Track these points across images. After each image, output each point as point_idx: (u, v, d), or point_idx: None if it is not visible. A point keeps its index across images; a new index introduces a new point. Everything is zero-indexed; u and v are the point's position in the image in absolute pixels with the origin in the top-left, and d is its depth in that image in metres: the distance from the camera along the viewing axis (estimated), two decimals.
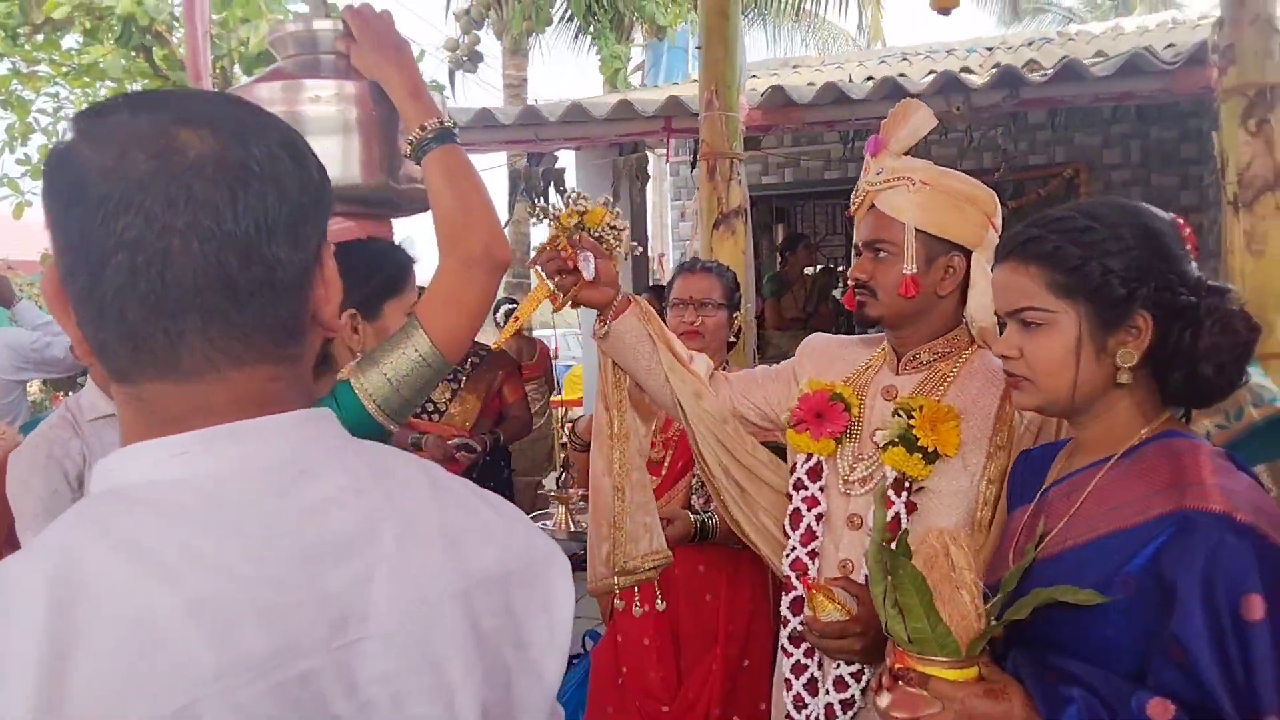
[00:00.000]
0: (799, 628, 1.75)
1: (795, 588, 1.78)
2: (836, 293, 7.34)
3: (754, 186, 8.64)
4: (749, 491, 1.93)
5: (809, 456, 1.80)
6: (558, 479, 2.72)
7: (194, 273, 0.72)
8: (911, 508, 1.66)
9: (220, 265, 0.72)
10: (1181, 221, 2.14)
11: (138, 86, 9.31)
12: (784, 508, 1.89)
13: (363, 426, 1.39)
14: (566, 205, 1.82)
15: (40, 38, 8.00)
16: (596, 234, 1.83)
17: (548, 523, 2.57)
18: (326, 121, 1.52)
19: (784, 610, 1.81)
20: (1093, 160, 7.47)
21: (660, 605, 2.06)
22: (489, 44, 11.30)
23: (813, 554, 1.78)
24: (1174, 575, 1.08)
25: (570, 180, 4.74)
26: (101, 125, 0.73)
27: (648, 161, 4.98)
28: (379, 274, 1.57)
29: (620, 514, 1.98)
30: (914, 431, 1.64)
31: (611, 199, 1.93)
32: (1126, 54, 3.34)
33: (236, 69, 7.91)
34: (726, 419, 1.94)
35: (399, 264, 1.61)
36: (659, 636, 2.56)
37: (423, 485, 0.83)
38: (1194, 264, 1.28)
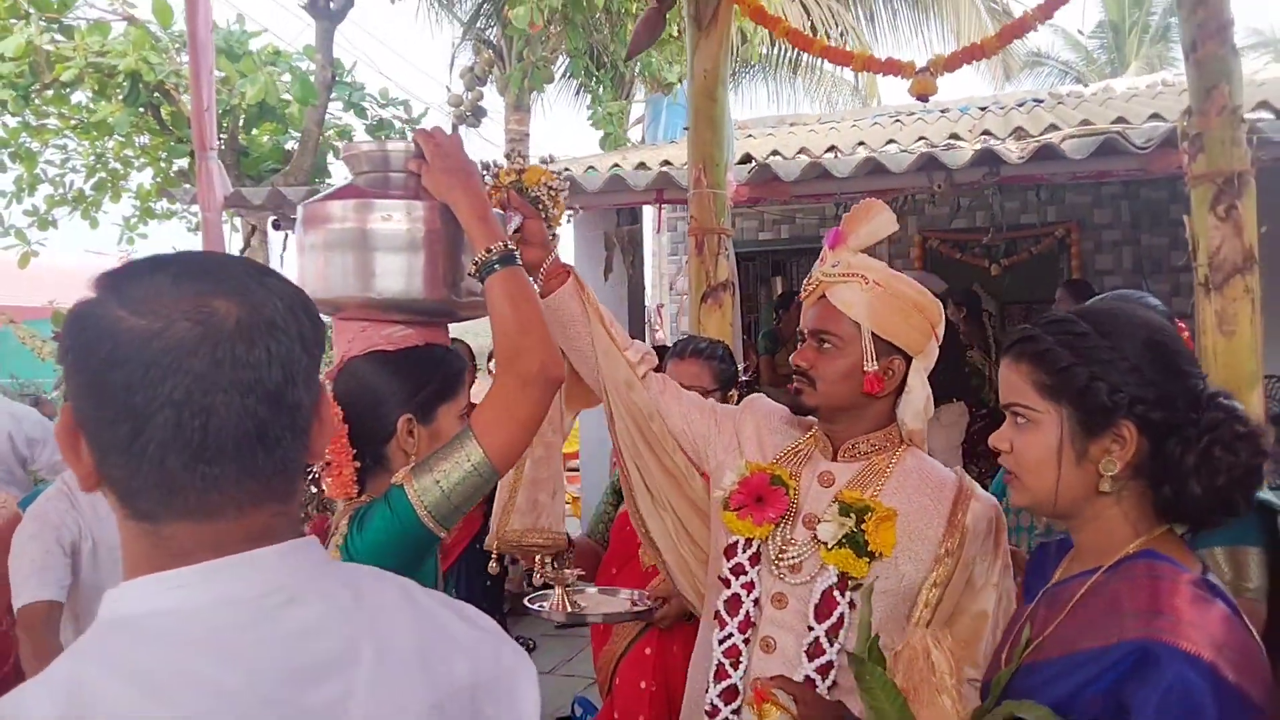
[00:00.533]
0: (731, 716, 1.75)
1: (729, 675, 1.76)
2: None
3: (750, 242, 8.80)
4: (662, 497, 1.94)
5: (749, 541, 1.79)
6: (551, 561, 2.72)
7: (235, 424, 0.81)
8: (851, 605, 1.70)
9: (256, 415, 0.81)
10: (1181, 325, 2.22)
11: (145, 140, 9.51)
12: (697, 522, 1.91)
13: (412, 530, 1.45)
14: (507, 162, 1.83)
15: (50, 93, 8.17)
16: (534, 195, 1.81)
17: (545, 604, 2.59)
18: (396, 238, 1.60)
19: (714, 699, 1.78)
20: (1084, 220, 7.59)
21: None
22: (492, 99, 11.51)
23: (748, 640, 1.76)
24: (1131, 705, 1.09)
25: (567, 247, 4.87)
26: (139, 290, 0.81)
27: (641, 234, 5.08)
28: (434, 379, 1.62)
29: (515, 483, 2.00)
30: (863, 535, 1.68)
31: (553, 165, 1.93)
32: (1101, 136, 3.44)
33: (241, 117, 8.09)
34: (654, 416, 1.93)
35: (453, 370, 1.66)
36: (654, 708, 2.57)
37: (399, 605, 0.91)
38: (1202, 381, 1.26)
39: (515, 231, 1.79)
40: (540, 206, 1.82)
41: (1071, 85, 16.91)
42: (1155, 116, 5.40)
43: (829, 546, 1.70)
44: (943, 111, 8.08)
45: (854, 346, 1.74)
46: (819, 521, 1.74)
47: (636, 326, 5.68)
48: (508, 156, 1.85)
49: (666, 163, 6.22)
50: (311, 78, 7.50)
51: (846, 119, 8.66)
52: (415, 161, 1.63)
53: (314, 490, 1.63)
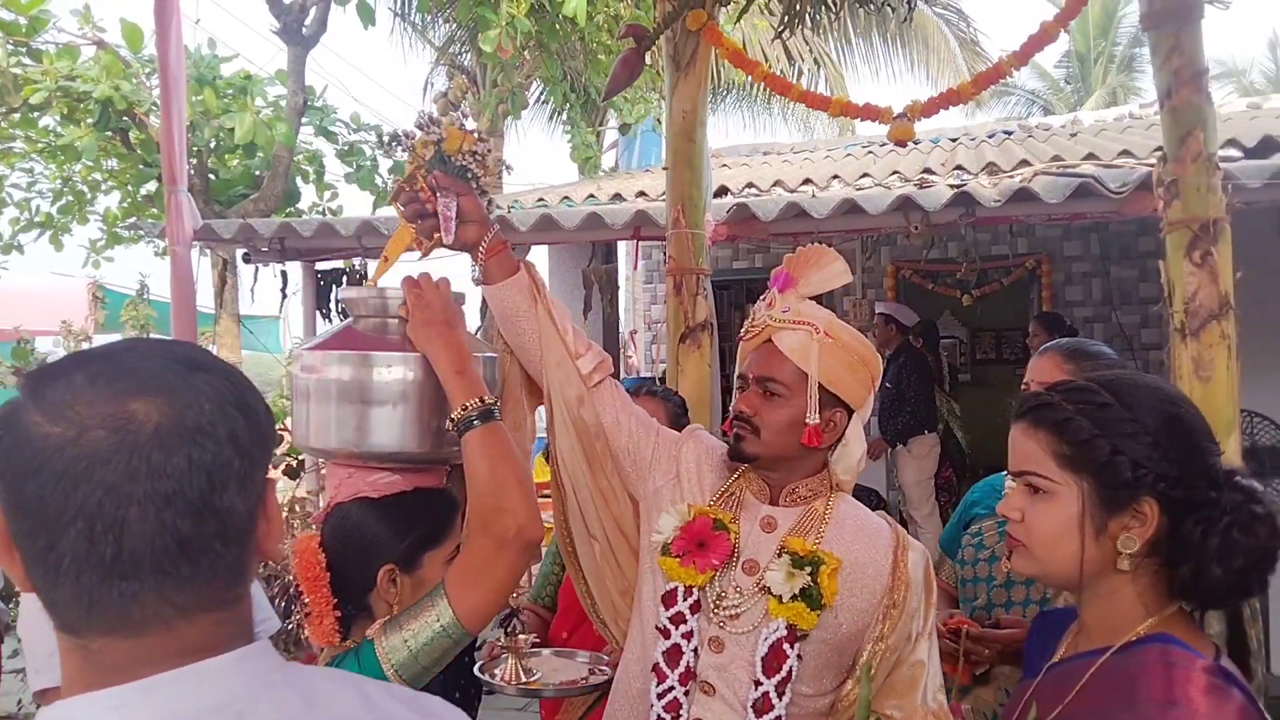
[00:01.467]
0: None
1: None
2: None
3: (726, 271, 8.81)
4: (593, 521, 1.86)
5: (690, 590, 1.71)
6: (505, 626, 2.63)
7: (152, 538, 0.75)
8: (800, 658, 1.66)
9: (176, 528, 0.76)
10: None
11: (113, 164, 9.39)
12: (625, 549, 1.84)
13: None
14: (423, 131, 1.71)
15: (16, 116, 8.06)
16: (459, 165, 1.70)
17: (497, 673, 2.53)
18: (387, 391, 1.60)
19: None
20: (1054, 252, 7.66)
21: None
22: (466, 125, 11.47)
23: (688, 692, 1.69)
24: None
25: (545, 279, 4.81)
26: (56, 394, 0.76)
27: (617, 273, 5.07)
28: (420, 527, 1.58)
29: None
30: (818, 589, 1.63)
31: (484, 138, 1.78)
32: (1077, 180, 3.47)
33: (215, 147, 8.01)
34: (599, 435, 1.84)
35: (440, 515, 1.62)
36: None
37: (355, 708, 0.86)
38: (1218, 457, 1.23)
39: (456, 218, 1.69)
40: (469, 176, 1.71)
41: (1039, 115, 17.19)
42: (1125, 153, 5.49)
43: (782, 599, 1.65)
44: (915, 143, 8.16)
45: (800, 397, 1.70)
46: (761, 568, 1.70)
47: (612, 359, 5.65)
48: (420, 127, 1.71)
49: (642, 194, 6.24)
50: (283, 103, 7.43)
51: (821, 149, 8.72)
52: (404, 309, 1.62)
53: (294, 635, 1.59)
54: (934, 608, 1.78)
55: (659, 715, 1.70)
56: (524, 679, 2.83)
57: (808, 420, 1.69)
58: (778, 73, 9.95)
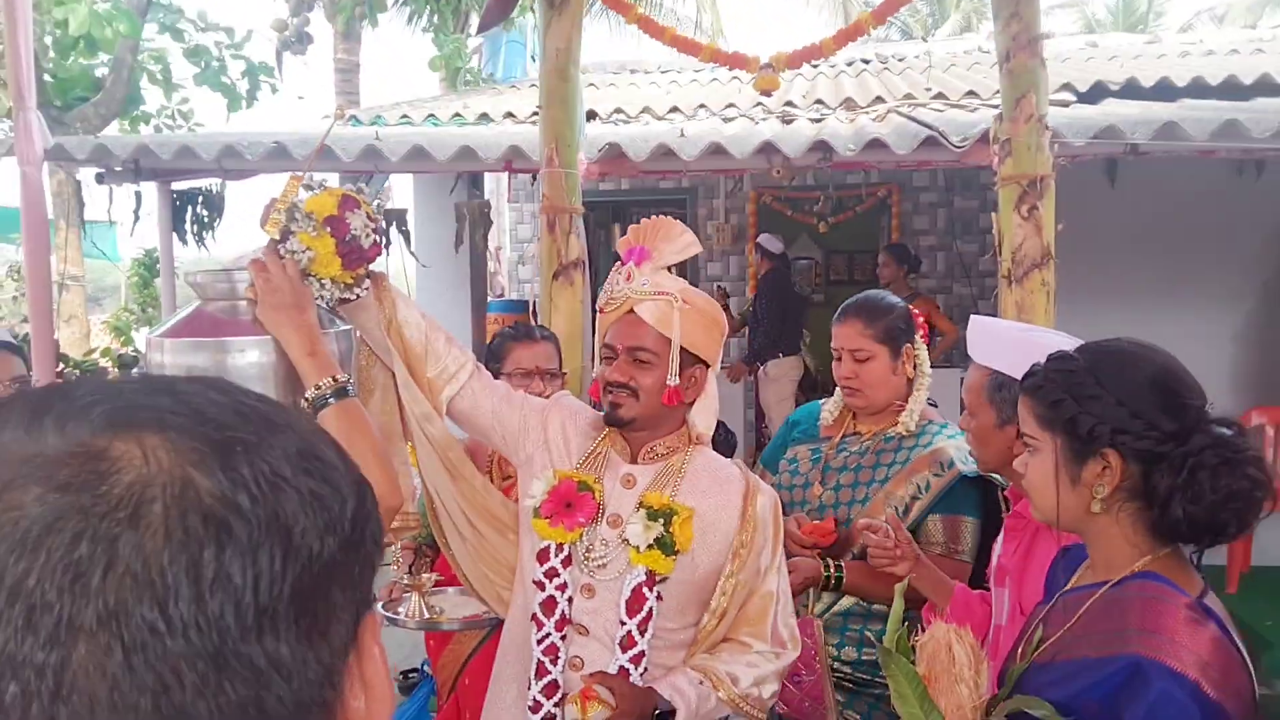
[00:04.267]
0: (553, 710, 1.87)
1: (549, 671, 1.88)
2: None
3: (590, 192, 8.82)
4: (460, 520, 2.03)
5: (560, 546, 1.90)
6: (410, 566, 2.75)
7: (109, 709, 0.42)
8: (660, 599, 1.88)
9: (164, 689, 0.42)
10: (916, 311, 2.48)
11: None
12: (496, 538, 2.03)
13: None
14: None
15: None
16: (352, 234, 1.71)
17: (401, 610, 2.66)
18: (242, 375, 1.61)
19: (537, 694, 1.89)
20: (903, 182, 8.04)
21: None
22: (320, 25, 10.97)
23: (565, 637, 1.88)
24: (1123, 714, 1.24)
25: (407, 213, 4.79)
26: None
27: (490, 208, 5.09)
28: None
29: None
30: (671, 537, 1.85)
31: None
32: (924, 134, 3.72)
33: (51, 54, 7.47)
34: (451, 446, 1.98)
35: None
36: None
37: None
38: (1200, 411, 1.36)
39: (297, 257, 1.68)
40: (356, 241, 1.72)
41: (896, 36, 17.60)
42: (971, 94, 5.83)
43: (640, 549, 1.85)
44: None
45: (665, 361, 1.89)
46: (624, 522, 1.90)
47: (480, 293, 5.70)
48: (309, 186, 1.77)
49: (509, 115, 6.22)
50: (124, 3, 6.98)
51: (688, 70, 8.78)
52: (252, 290, 1.65)
53: None
54: (781, 543, 2.01)
55: (539, 659, 1.89)
56: (428, 615, 2.98)
57: (669, 382, 1.88)
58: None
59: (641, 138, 3.91)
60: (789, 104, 5.92)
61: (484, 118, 6.15)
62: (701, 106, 6.09)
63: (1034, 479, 1.49)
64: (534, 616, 1.92)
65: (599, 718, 1.75)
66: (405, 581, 2.94)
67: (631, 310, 1.90)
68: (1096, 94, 5.60)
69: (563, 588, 1.90)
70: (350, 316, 1.93)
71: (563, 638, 1.89)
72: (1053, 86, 5.76)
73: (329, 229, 1.71)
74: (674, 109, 5.95)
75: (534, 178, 6.61)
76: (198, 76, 9.16)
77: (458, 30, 11.33)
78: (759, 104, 6.00)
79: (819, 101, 5.99)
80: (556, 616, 1.89)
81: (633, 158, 3.72)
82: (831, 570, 2.33)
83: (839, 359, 2.46)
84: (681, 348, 1.89)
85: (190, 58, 9.27)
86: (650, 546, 1.84)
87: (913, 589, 2.01)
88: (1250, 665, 1.33)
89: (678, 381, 1.89)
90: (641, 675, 1.86)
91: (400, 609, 2.96)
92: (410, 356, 1.95)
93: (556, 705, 1.88)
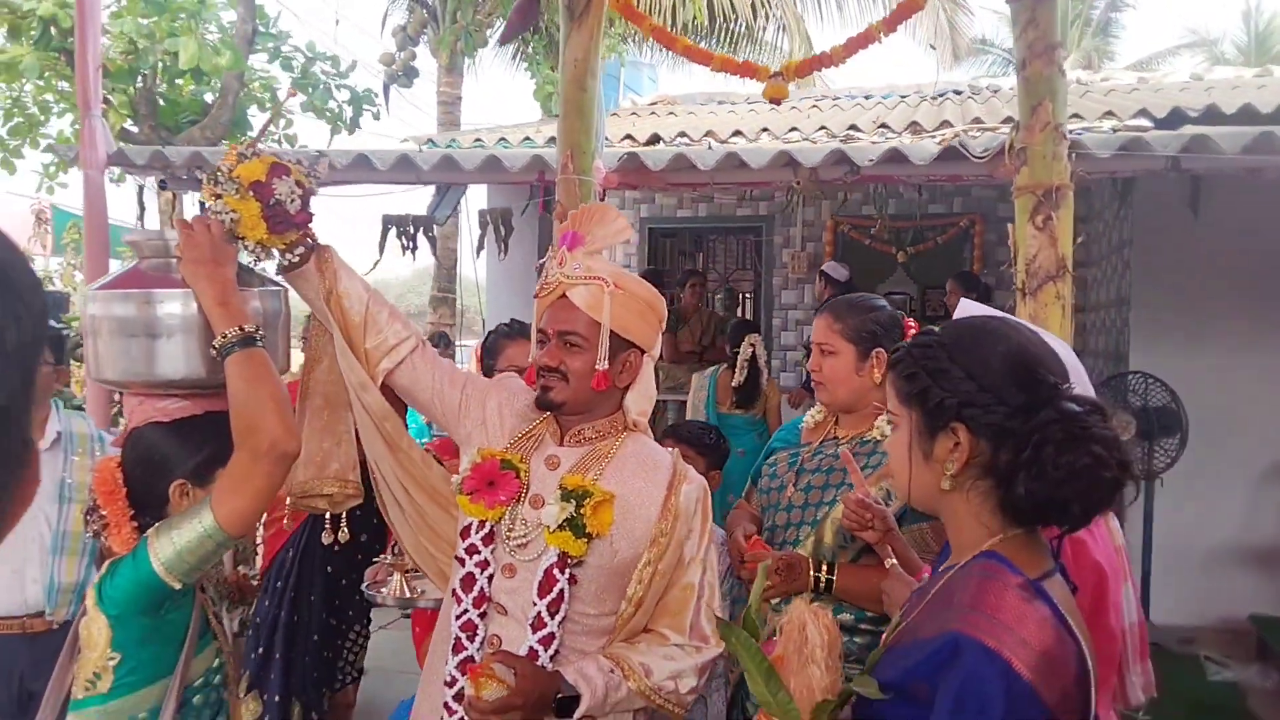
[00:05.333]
0: (467, 687, 1.82)
1: (466, 648, 1.88)
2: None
3: (669, 219, 8.94)
4: (399, 491, 2.05)
5: (482, 523, 1.90)
6: (393, 546, 2.82)
7: None
8: (573, 580, 1.86)
9: None
10: (910, 323, 2.40)
11: (65, 86, 9.32)
12: (435, 510, 2.03)
13: (149, 580, 1.63)
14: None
15: None
16: (277, 198, 1.80)
17: (384, 590, 2.71)
18: (166, 324, 1.78)
19: (453, 670, 1.88)
20: (987, 213, 7.83)
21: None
22: (426, 60, 11.42)
23: (483, 615, 1.88)
24: (937, 689, 1.21)
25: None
26: None
27: (512, 215, 5.20)
28: (209, 446, 1.78)
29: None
30: (582, 519, 1.83)
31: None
32: (945, 146, 3.63)
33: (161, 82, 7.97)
34: (388, 417, 2.02)
35: (229, 435, 1.77)
36: None
37: None
38: (1055, 389, 1.30)
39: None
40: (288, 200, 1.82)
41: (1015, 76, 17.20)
42: (1074, 116, 5.62)
43: (551, 529, 1.84)
44: (867, 96, 8.27)
45: (595, 345, 1.89)
46: (545, 503, 1.88)
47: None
48: (242, 155, 1.84)
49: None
50: (230, 29, 7.40)
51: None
52: (180, 248, 1.78)
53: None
54: (709, 536, 1.97)
55: (456, 635, 1.89)
56: (408, 593, 3.06)
57: (598, 366, 1.88)
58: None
59: (659, 151, 3.93)
60: (853, 128, 5.86)
61: (552, 141, 6.29)
62: (765, 130, 6.08)
63: (892, 455, 1.45)
64: (453, 592, 1.93)
65: (493, 696, 1.72)
66: (389, 562, 3.02)
67: (564, 295, 1.91)
68: (1175, 120, 5.35)
69: (483, 565, 1.90)
70: (292, 284, 2.02)
71: (481, 615, 1.89)
72: (1129, 112, 5.57)
73: (253, 193, 1.79)
74: (737, 132, 5.97)
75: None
76: (304, 103, 9.59)
77: (556, 65, 11.63)
78: (823, 128, 5.96)
79: (884, 125, 5.91)
80: (475, 593, 1.90)
81: (651, 167, 3.74)
82: (822, 574, 2.26)
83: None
84: (613, 332, 1.89)
85: (299, 86, 9.71)
86: (561, 527, 1.83)
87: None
88: (1088, 657, 1.25)
89: (607, 366, 1.89)
90: (552, 658, 1.84)
91: (384, 589, 3.04)
92: (348, 327, 2.02)
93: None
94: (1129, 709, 2.25)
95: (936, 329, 1.46)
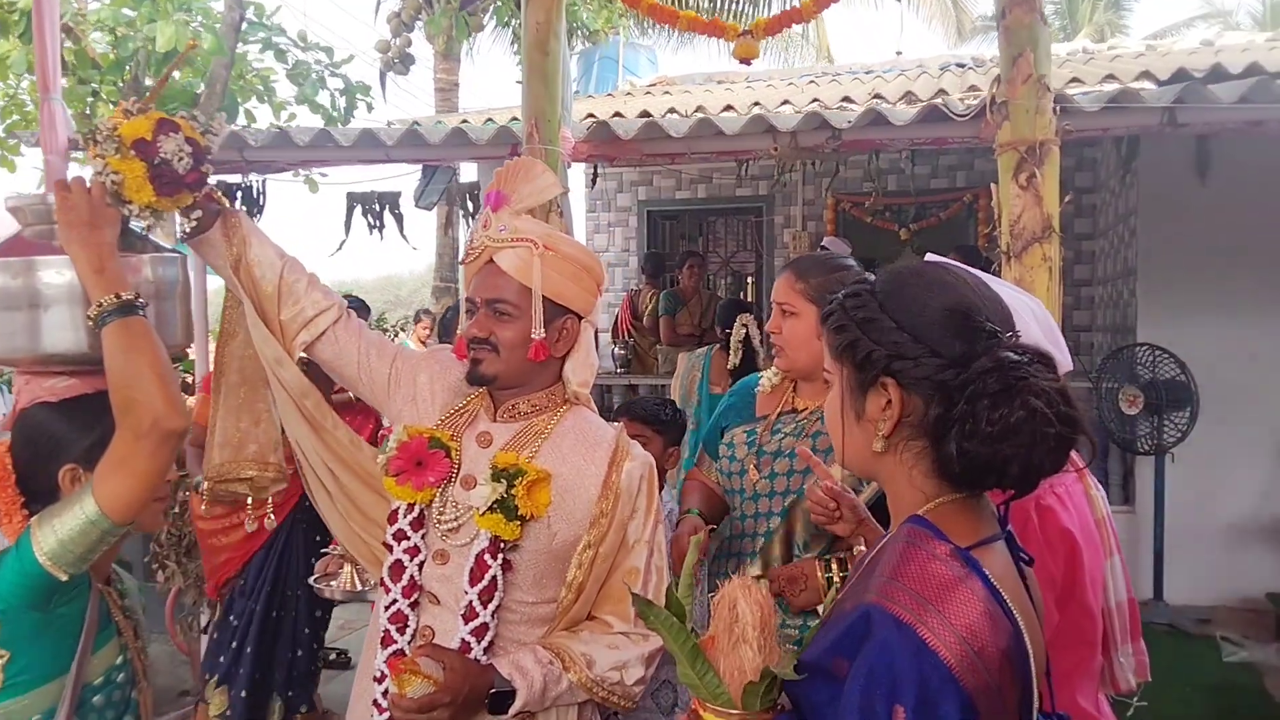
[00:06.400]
0: (390, 684, 1.69)
1: (395, 640, 1.75)
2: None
3: (668, 201, 8.79)
4: (324, 474, 1.90)
5: (411, 506, 1.76)
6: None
7: None
8: (508, 566, 1.71)
9: None
10: None
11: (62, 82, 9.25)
12: (368, 495, 1.88)
13: (34, 572, 1.50)
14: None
15: None
16: (163, 156, 1.67)
17: (334, 584, 2.59)
18: (48, 295, 1.66)
19: (381, 665, 1.76)
20: (991, 186, 7.63)
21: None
22: (424, 47, 11.30)
23: (414, 605, 1.75)
24: (851, 661, 1.09)
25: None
26: None
27: (479, 188, 5.05)
28: (102, 425, 1.62)
29: (213, 417, 1.95)
30: (514, 500, 1.68)
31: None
32: (926, 105, 3.46)
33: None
34: (308, 394, 1.88)
35: None
36: None
37: None
38: (995, 339, 1.16)
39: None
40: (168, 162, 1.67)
41: None
42: (1074, 80, 5.43)
43: (481, 511, 1.70)
44: (868, 72, 8.09)
45: (527, 313, 1.74)
46: (476, 484, 1.74)
47: None
48: (127, 111, 1.71)
49: (590, 116, 6.19)
50: (211, 12, 7.31)
51: (773, 78, 8.62)
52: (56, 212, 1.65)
53: None
54: (654, 518, 1.82)
55: (385, 627, 1.76)
56: (360, 587, 2.93)
57: (533, 335, 1.74)
58: None
59: (630, 120, 3.78)
60: (846, 99, 5.68)
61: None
62: (757, 104, 5.91)
63: (827, 417, 1.31)
64: (381, 581, 1.80)
65: (418, 693, 1.58)
66: (337, 553, 2.89)
67: (491, 260, 1.77)
68: (1178, 81, 5.15)
69: (412, 552, 1.77)
70: (197, 252, 1.89)
71: (412, 605, 1.76)
72: (1131, 75, 5.37)
73: (136, 152, 1.67)
74: (728, 107, 5.80)
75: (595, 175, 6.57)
76: (297, 94, 9.51)
77: None
78: (816, 100, 5.78)
79: (878, 96, 5.73)
80: (404, 582, 1.76)
81: (621, 136, 3.59)
82: (835, 574, 2.07)
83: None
84: (545, 298, 1.75)
85: (293, 78, 9.63)
86: (492, 509, 1.69)
87: None
88: (1026, 638, 1.10)
89: (543, 334, 1.75)
90: (486, 650, 1.70)
91: (333, 582, 2.91)
92: (260, 297, 1.89)
93: None
94: (1120, 693, 2.10)
95: (871, 278, 1.32)
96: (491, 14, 11.57)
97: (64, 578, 1.52)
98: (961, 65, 8.03)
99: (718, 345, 5.51)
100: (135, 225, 1.80)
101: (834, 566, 2.08)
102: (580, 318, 1.82)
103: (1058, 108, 2.87)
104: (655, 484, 1.85)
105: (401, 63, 10.99)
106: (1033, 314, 1.78)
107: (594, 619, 1.79)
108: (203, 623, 4.07)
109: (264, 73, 9.78)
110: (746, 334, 5.61)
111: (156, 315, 1.74)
